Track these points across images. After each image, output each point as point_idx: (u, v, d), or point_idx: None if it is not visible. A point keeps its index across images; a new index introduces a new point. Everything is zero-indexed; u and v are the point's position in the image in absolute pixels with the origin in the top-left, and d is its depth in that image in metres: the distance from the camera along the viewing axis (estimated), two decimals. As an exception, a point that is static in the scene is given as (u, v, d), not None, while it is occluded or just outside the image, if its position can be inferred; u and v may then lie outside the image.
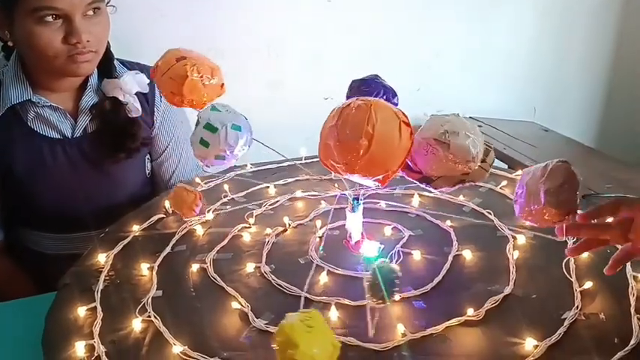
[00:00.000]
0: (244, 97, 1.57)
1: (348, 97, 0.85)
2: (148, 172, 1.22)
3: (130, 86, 1.10)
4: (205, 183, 1.15)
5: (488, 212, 1.01)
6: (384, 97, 0.84)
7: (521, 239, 0.93)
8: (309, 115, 1.59)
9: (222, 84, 0.86)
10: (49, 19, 0.99)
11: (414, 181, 0.81)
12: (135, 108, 1.11)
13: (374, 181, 0.81)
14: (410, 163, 0.79)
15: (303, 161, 1.24)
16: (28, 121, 1.09)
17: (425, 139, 0.76)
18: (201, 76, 0.83)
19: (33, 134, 1.09)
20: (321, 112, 1.46)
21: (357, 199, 0.90)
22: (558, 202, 0.73)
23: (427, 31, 1.70)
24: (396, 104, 0.84)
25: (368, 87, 0.84)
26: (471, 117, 1.75)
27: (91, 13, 1.03)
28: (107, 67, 1.12)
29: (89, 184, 1.13)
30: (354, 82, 0.88)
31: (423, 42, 1.71)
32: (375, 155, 0.76)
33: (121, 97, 1.10)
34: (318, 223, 0.97)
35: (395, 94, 0.86)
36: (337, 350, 0.60)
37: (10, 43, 1.07)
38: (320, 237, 0.96)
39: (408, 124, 0.78)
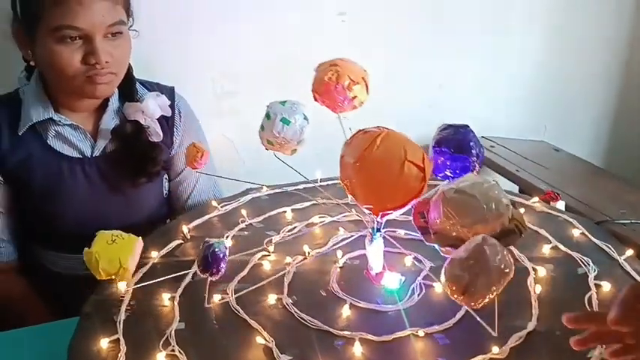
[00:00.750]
0: (259, 114, 1.57)
1: (433, 138, 0.86)
2: (165, 192, 1.22)
3: (151, 110, 1.10)
4: (222, 206, 1.15)
5: (507, 242, 1.01)
6: (455, 145, 0.82)
7: (542, 272, 0.93)
8: (321, 132, 1.60)
9: (355, 97, 0.92)
10: (70, 39, 1.00)
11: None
12: (156, 132, 1.11)
13: (365, 207, 0.84)
14: (425, 210, 0.78)
15: (319, 184, 1.25)
16: (48, 139, 1.09)
17: (441, 190, 0.75)
18: (337, 83, 0.89)
19: (52, 153, 1.10)
20: (333, 130, 1.46)
21: (378, 229, 0.91)
22: (453, 277, 0.67)
23: (439, 51, 1.70)
24: (472, 160, 0.82)
25: (446, 132, 0.83)
26: (483, 136, 1.76)
27: (112, 35, 1.03)
28: (128, 89, 1.13)
29: (107, 204, 1.13)
30: (443, 124, 0.87)
31: (435, 62, 1.70)
32: (364, 181, 0.80)
33: (142, 121, 1.10)
34: (339, 253, 0.97)
35: (472, 148, 0.82)
36: (126, 272, 0.75)
37: (32, 63, 1.08)
38: (340, 267, 0.96)
39: (420, 168, 0.78)
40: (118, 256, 0.74)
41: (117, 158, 1.11)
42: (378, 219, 0.87)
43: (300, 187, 1.25)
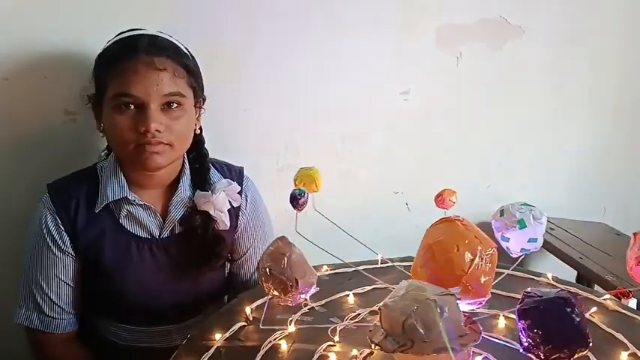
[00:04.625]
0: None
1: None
2: (226, 272, 1.23)
3: (221, 204, 1.11)
4: (283, 286, 1.14)
5: (581, 345, 0.96)
6: (522, 313, 0.71)
7: (623, 382, 0.88)
8: (378, 207, 1.60)
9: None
10: (124, 106, 1.02)
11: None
12: (223, 222, 1.12)
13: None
14: None
15: (380, 265, 1.23)
16: (120, 218, 1.10)
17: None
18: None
19: (123, 232, 1.11)
20: (389, 205, 1.43)
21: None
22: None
23: (499, 129, 1.69)
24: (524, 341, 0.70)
25: (535, 292, 0.72)
26: (542, 216, 1.72)
27: (170, 106, 1.04)
28: (201, 172, 1.15)
29: (170, 283, 1.14)
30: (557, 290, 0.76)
31: (494, 140, 1.70)
32: (420, 259, 0.88)
33: (211, 212, 1.11)
34: (408, 349, 0.94)
35: (528, 331, 0.69)
36: (311, 183, 0.97)
37: (101, 135, 1.11)
38: None
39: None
40: (310, 174, 0.97)
41: (183, 244, 1.13)
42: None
43: (361, 267, 1.23)
